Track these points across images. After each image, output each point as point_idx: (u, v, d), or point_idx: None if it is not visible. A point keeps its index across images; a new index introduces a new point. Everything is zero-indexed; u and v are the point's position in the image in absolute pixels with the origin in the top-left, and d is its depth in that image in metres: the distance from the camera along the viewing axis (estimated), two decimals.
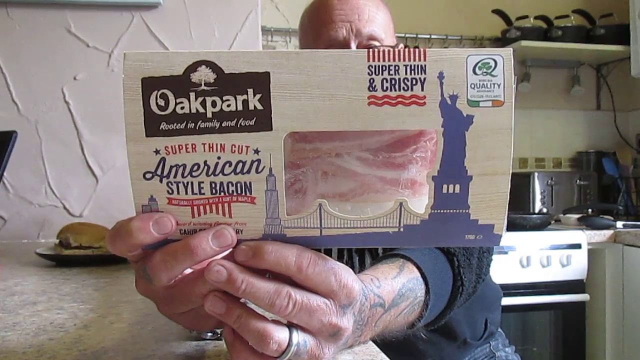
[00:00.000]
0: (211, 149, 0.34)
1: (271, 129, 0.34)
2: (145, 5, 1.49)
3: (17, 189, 1.46)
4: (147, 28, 1.51)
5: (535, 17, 2.56)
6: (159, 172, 0.35)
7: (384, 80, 0.34)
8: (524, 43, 2.41)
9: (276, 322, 0.37)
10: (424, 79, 0.34)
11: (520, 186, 2.45)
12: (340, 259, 0.89)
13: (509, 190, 0.35)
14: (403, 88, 0.34)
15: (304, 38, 0.99)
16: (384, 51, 0.34)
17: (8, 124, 1.38)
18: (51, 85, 1.47)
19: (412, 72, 0.34)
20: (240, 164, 0.35)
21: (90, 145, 1.48)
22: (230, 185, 0.35)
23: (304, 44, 0.99)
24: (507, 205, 0.36)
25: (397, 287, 0.52)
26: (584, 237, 2.02)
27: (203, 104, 0.34)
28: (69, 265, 0.96)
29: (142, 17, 1.50)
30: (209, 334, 0.49)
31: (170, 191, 0.35)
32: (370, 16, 0.92)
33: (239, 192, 0.35)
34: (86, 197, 1.48)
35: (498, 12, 2.52)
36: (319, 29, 0.93)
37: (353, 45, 0.91)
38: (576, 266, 1.99)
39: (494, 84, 0.34)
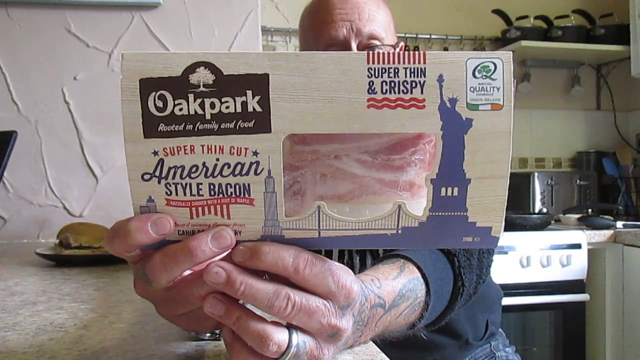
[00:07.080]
0: (210, 151, 0.34)
1: (270, 131, 0.34)
2: (145, 5, 1.49)
3: (17, 189, 1.46)
4: (147, 28, 1.51)
5: (535, 17, 2.56)
6: (157, 174, 0.35)
7: (384, 83, 0.34)
8: (524, 43, 2.41)
9: (275, 324, 0.37)
10: (424, 81, 0.34)
11: (520, 186, 2.45)
12: (340, 259, 0.89)
13: (507, 193, 0.35)
14: (402, 91, 0.34)
15: (304, 38, 0.99)
16: (383, 54, 0.34)
17: (8, 124, 1.38)
18: (51, 85, 1.47)
19: (412, 74, 0.34)
20: (239, 166, 0.35)
21: (90, 145, 1.48)
22: (228, 186, 0.35)
23: (304, 43, 0.99)
24: (505, 207, 0.36)
25: (398, 287, 0.52)
26: (584, 237, 2.02)
27: (202, 105, 0.34)
28: (69, 265, 0.96)
29: (142, 17, 1.50)
30: (207, 335, 0.49)
31: (169, 192, 0.35)
32: (370, 15, 0.92)
33: (238, 193, 0.35)
34: (86, 197, 1.48)
35: (498, 12, 2.52)
36: (319, 28, 0.93)
37: (353, 45, 0.91)
38: (576, 266, 1.99)
39: (493, 87, 0.34)
